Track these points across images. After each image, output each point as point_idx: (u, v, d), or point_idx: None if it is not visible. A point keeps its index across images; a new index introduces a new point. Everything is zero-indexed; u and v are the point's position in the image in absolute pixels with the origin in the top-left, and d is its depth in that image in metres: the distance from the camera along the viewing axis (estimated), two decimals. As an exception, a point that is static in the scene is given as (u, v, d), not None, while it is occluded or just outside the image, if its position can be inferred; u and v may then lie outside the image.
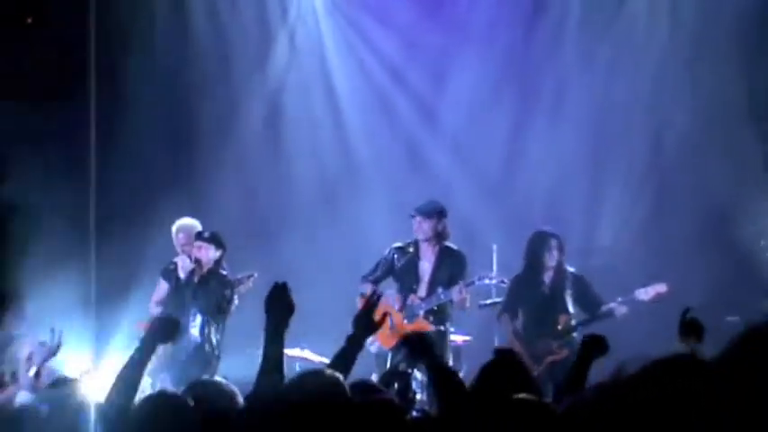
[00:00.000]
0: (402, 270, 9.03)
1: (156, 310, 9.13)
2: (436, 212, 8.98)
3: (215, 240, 8.88)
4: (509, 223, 10.70)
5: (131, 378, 4.29)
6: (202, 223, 9.37)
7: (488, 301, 9.31)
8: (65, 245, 9.84)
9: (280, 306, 4.22)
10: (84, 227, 9.86)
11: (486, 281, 8.98)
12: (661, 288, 8.87)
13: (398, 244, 9.13)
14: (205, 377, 8.00)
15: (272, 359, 4.15)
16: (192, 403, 4.02)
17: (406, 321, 8.92)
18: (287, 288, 4.24)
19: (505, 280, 9.03)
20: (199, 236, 8.90)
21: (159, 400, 4.11)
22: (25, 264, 9.54)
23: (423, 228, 8.94)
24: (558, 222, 9.53)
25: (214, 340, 8.78)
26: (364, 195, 11.32)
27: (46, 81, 10.36)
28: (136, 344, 4.49)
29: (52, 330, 7.13)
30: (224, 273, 8.89)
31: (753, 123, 10.90)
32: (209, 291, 8.77)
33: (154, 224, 9.94)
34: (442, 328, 8.90)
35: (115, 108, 10.72)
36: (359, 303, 8.96)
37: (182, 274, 8.81)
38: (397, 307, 8.95)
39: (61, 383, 5.16)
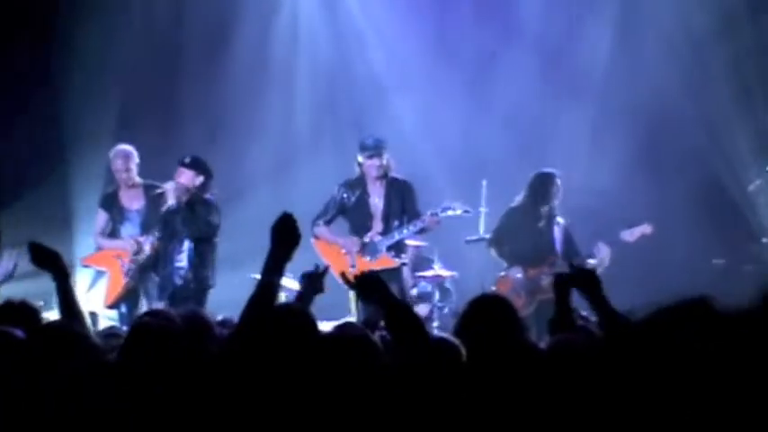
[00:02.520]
0: (354, 208, 8.86)
1: (101, 242, 9.06)
2: (384, 148, 8.83)
3: (195, 165, 8.64)
4: (498, 161, 10.64)
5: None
6: (195, 148, 9.21)
7: (474, 237, 9.27)
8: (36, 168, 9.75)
9: (286, 237, 4.12)
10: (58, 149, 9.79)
11: (450, 212, 8.76)
12: (646, 229, 8.86)
13: (345, 181, 8.93)
14: (193, 306, 8.05)
15: (268, 290, 4.05)
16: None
17: (368, 258, 8.82)
18: (294, 219, 4.14)
19: (470, 210, 8.93)
20: (180, 162, 8.67)
21: (144, 330, 4.01)
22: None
23: (375, 164, 8.77)
24: (544, 165, 9.34)
25: (203, 267, 8.60)
26: (363, 125, 11.04)
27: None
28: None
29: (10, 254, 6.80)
30: (209, 198, 8.68)
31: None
32: (195, 217, 8.59)
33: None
34: (403, 260, 8.88)
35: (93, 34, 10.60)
36: (315, 246, 8.78)
37: (171, 201, 8.70)
38: (356, 248, 8.82)
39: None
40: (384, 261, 8.76)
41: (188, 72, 11.37)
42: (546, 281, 8.66)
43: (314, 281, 4.93)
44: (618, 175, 10.90)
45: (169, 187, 8.67)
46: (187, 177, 8.60)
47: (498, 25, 11.40)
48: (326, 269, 5.15)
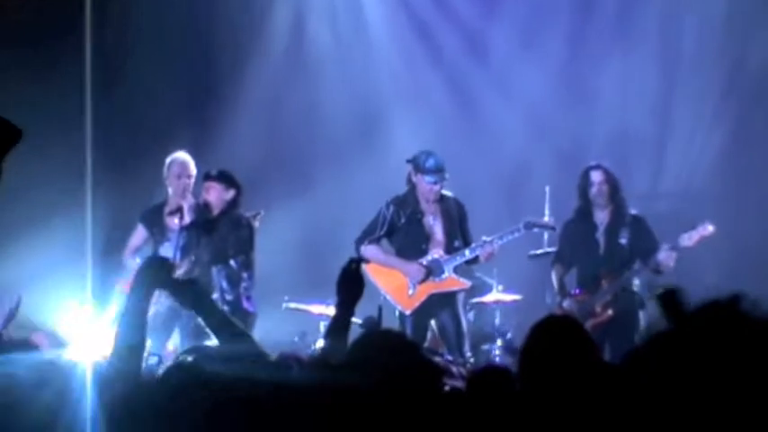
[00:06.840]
0: (405, 228, 8.21)
1: (130, 260, 8.19)
2: (446, 171, 8.15)
3: (224, 179, 7.96)
4: (563, 164, 9.93)
5: (130, 337, 3.82)
6: (220, 161, 8.54)
7: (538, 252, 8.55)
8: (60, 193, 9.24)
9: (352, 287, 4.33)
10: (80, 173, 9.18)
11: (516, 234, 8.12)
12: (704, 231, 8.06)
13: (394, 198, 8.25)
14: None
15: (338, 334, 4.19)
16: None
17: (434, 280, 8.16)
18: (360, 269, 4.36)
19: (555, 226, 8.25)
20: (206, 176, 7.99)
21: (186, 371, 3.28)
22: (19, 214, 8.95)
23: (436, 189, 8.11)
24: (620, 165, 8.72)
25: (233, 292, 7.82)
26: (403, 133, 10.58)
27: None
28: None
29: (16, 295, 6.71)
30: (239, 212, 7.98)
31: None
32: (218, 236, 7.85)
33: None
34: (470, 282, 8.35)
35: (115, 38, 10.14)
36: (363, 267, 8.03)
37: (187, 219, 7.84)
38: (420, 277, 8.13)
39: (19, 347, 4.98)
40: (451, 282, 8.18)
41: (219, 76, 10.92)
42: (599, 304, 8.00)
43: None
44: (698, 173, 10.45)
45: (185, 204, 7.88)
46: (216, 192, 7.94)
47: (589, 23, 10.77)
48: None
